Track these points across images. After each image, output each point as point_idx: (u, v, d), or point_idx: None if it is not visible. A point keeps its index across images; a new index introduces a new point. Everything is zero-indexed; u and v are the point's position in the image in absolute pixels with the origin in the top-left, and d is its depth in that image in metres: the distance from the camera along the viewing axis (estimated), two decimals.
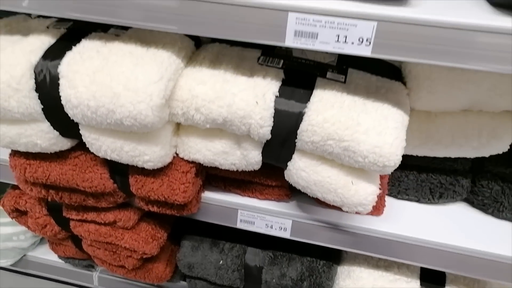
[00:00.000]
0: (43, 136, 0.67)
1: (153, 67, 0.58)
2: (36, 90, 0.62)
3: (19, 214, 0.91)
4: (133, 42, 0.62)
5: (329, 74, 0.62)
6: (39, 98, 0.62)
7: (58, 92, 0.60)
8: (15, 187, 0.88)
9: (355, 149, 0.55)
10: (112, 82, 0.57)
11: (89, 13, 0.55)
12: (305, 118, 0.58)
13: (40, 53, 0.63)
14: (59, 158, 0.72)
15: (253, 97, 0.59)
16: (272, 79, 0.61)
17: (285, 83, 0.61)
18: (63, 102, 0.60)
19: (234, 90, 0.59)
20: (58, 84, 0.60)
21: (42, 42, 0.64)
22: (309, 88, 0.60)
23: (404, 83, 0.64)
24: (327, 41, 0.49)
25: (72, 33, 0.66)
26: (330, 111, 0.57)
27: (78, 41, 0.64)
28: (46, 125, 0.66)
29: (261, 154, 0.64)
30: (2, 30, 0.68)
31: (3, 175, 0.85)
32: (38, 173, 0.72)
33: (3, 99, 0.61)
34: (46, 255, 1.09)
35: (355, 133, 0.55)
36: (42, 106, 0.63)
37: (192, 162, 0.69)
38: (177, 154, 0.70)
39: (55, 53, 0.62)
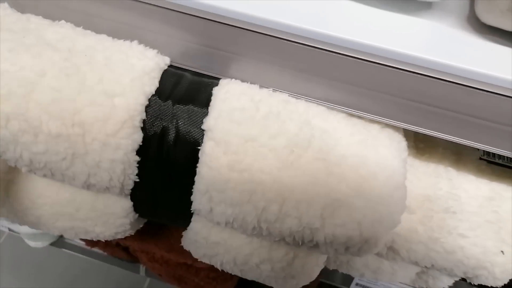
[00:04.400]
0: (111, 222, 0.38)
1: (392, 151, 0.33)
2: (139, 153, 0.32)
3: None
4: None
5: None
6: (139, 167, 0.33)
7: (187, 163, 0.32)
8: None
9: None
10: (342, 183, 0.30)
11: None
12: None
13: (155, 82, 0.33)
14: None
15: (495, 242, 0.37)
16: None
17: None
18: (199, 186, 0.32)
19: (463, 227, 0.37)
20: (195, 151, 0.32)
21: (154, 59, 0.33)
22: None
23: None
24: None
25: None
26: None
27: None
28: (125, 206, 0.37)
29: None
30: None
31: None
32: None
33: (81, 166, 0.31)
34: None
35: None
36: (138, 180, 0.33)
37: None
38: None
39: (181, 87, 0.33)
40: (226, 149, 0.30)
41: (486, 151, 0.41)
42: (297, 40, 0.29)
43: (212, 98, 0.32)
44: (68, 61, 0.30)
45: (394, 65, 0.28)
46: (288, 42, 0.29)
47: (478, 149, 0.41)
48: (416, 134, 0.41)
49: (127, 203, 0.37)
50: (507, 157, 0.40)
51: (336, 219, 0.30)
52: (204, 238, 0.37)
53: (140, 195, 0.35)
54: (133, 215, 0.38)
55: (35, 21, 0.33)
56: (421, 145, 0.40)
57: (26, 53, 0.30)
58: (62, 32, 0.32)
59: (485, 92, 0.28)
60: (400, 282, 0.51)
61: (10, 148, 0.31)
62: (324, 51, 0.29)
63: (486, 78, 0.27)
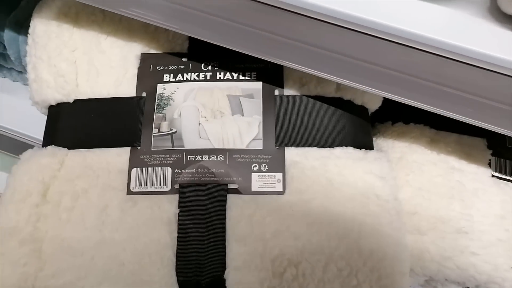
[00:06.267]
0: None
1: None
2: None
3: None
4: None
5: None
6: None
7: None
8: None
9: None
10: None
11: None
12: None
13: None
14: None
15: (506, 260, 0.38)
16: None
17: None
18: None
19: (475, 246, 0.39)
20: None
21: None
22: None
23: None
24: None
25: None
26: None
27: None
28: None
29: None
30: None
31: None
32: None
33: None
34: None
35: None
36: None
37: None
38: None
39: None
40: None
41: (497, 168, 0.42)
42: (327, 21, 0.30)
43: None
44: None
45: (416, 47, 0.30)
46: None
47: (490, 166, 0.42)
48: (430, 154, 0.42)
49: None
50: None
51: None
52: None
53: None
54: None
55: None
56: (434, 167, 0.41)
57: None
58: None
59: (501, 75, 0.29)
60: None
61: None
62: (357, 33, 0.31)
63: (502, 62, 0.29)
